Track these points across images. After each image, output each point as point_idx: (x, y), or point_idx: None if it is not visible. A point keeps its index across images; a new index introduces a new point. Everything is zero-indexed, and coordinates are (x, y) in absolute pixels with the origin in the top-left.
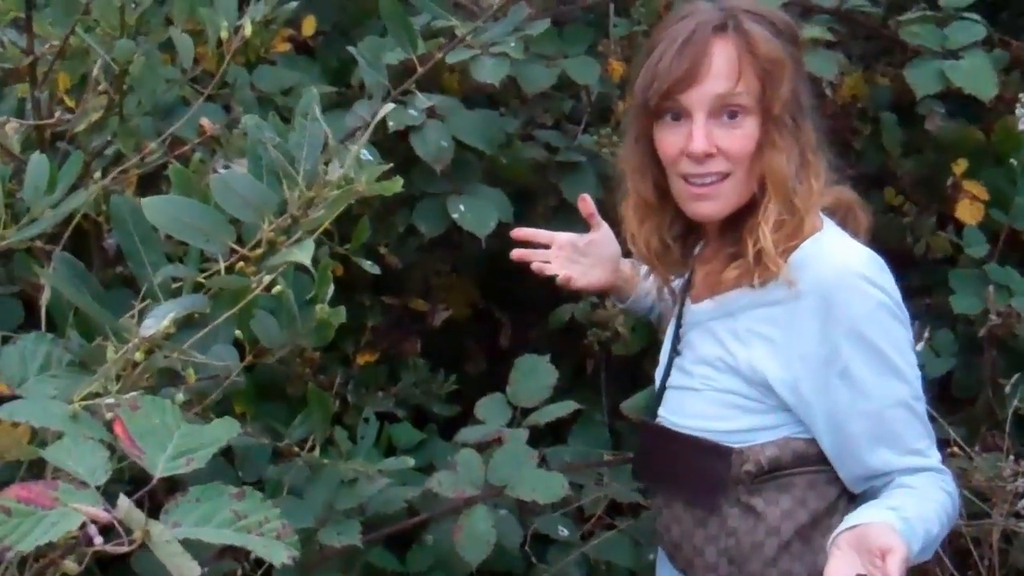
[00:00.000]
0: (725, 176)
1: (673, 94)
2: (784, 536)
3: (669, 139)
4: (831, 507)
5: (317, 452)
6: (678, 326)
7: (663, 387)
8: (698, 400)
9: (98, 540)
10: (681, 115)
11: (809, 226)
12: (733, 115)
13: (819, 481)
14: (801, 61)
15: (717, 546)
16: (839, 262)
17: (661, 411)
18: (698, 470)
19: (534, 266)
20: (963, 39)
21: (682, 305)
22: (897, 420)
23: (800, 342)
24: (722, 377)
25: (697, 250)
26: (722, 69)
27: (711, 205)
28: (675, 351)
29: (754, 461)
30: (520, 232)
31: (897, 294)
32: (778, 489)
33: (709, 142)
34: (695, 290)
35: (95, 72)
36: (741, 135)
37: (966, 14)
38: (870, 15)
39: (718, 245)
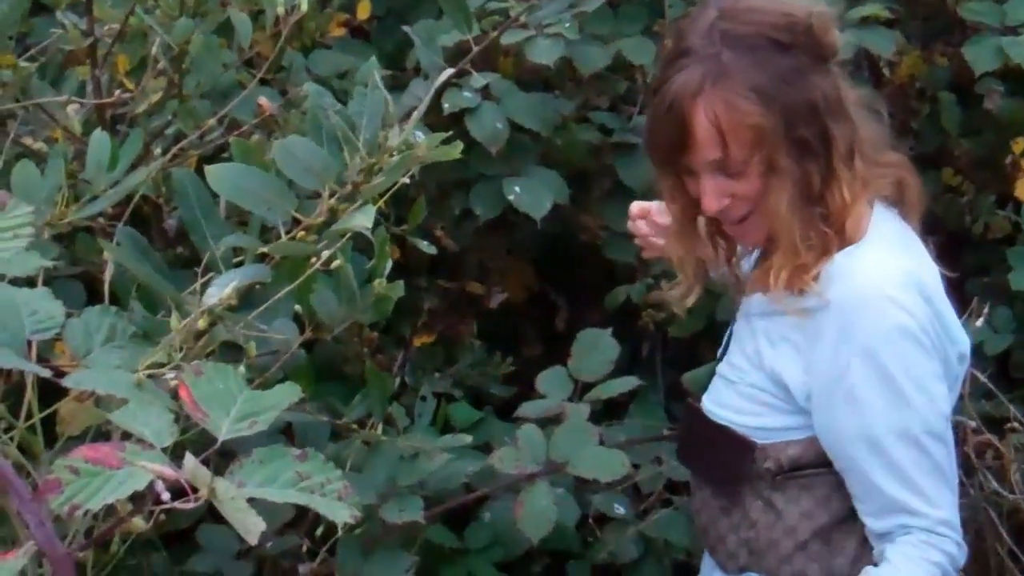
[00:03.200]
0: (748, 214)
1: (674, 160)
2: (800, 536)
3: (691, 187)
4: (855, 511)
5: (377, 430)
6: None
7: (713, 370)
8: (732, 392)
9: (166, 496)
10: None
11: (850, 232)
12: (733, 172)
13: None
14: (812, 60)
15: (738, 536)
16: (867, 279)
17: (705, 395)
18: (723, 459)
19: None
20: (1023, 15)
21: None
22: (900, 453)
23: (816, 355)
24: (754, 373)
25: None
26: (706, 139)
27: (751, 237)
28: (731, 336)
29: (774, 459)
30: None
31: (930, 320)
32: (800, 489)
33: (719, 198)
34: (751, 282)
35: (154, 52)
36: (746, 183)
37: None
38: None
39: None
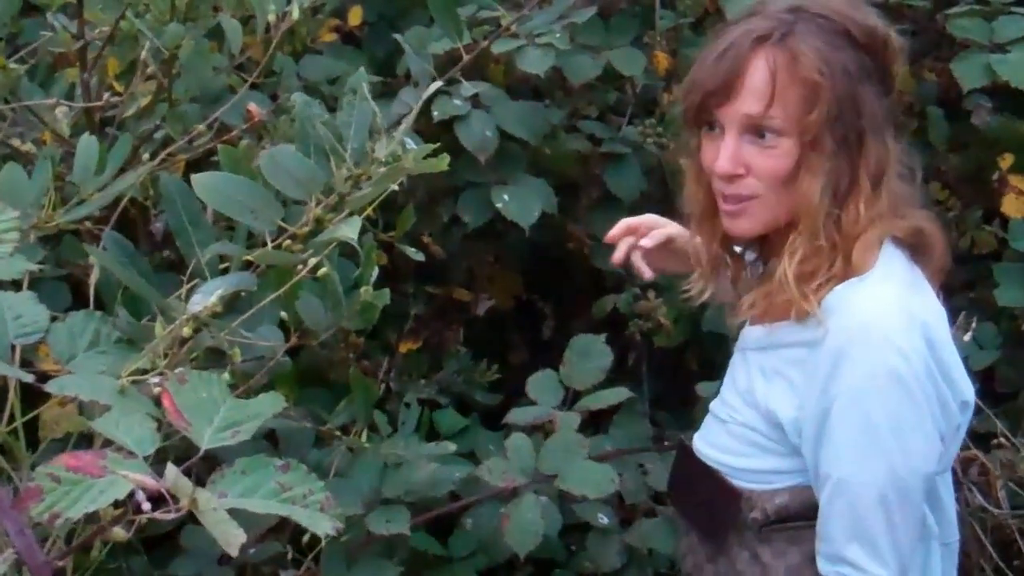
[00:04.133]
0: (754, 196)
1: (706, 107)
2: None
3: (707, 151)
4: None
5: (361, 437)
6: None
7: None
8: (722, 432)
9: (146, 506)
10: (717, 127)
11: (857, 262)
12: (764, 135)
13: None
14: (875, 72)
15: None
16: (867, 315)
17: (697, 433)
18: (711, 505)
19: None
20: (1011, 33)
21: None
22: (862, 503)
23: (810, 390)
24: (746, 411)
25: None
26: (756, 88)
27: (742, 224)
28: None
29: (760, 508)
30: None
31: (927, 367)
32: (788, 541)
33: (736, 163)
34: (749, 309)
35: (143, 57)
36: (774, 156)
37: (1014, 8)
38: (918, 9)
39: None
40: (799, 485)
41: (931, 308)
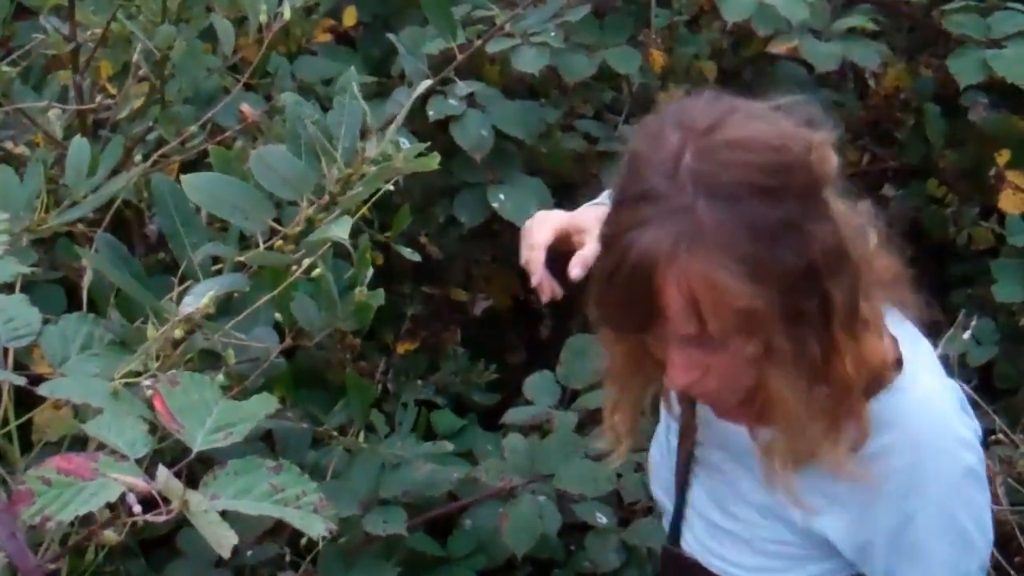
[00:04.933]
0: (724, 387)
1: (633, 330)
2: None
3: (653, 346)
4: None
5: (358, 438)
6: (689, 435)
7: (681, 508)
8: (745, 550)
9: (136, 508)
10: None
11: (880, 371)
12: (711, 346)
13: None
14: (811, 198)
15: None
16: (929, 420)
17: (691, 541)
18: None
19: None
20: (1007, 28)
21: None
22: None
23: (875, 509)
24: (770, 525)
25: None
26: (680, 314)
27: (721, 407)
28: (688, 468)
29: None
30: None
31: (977, 432)
32: None
33: (690, 371)
34: (730, 412)
35: (135, 58)
36: (728, 354)
37: (1010, 4)
38: (913, 5)
39: None
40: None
41: (933, 355)
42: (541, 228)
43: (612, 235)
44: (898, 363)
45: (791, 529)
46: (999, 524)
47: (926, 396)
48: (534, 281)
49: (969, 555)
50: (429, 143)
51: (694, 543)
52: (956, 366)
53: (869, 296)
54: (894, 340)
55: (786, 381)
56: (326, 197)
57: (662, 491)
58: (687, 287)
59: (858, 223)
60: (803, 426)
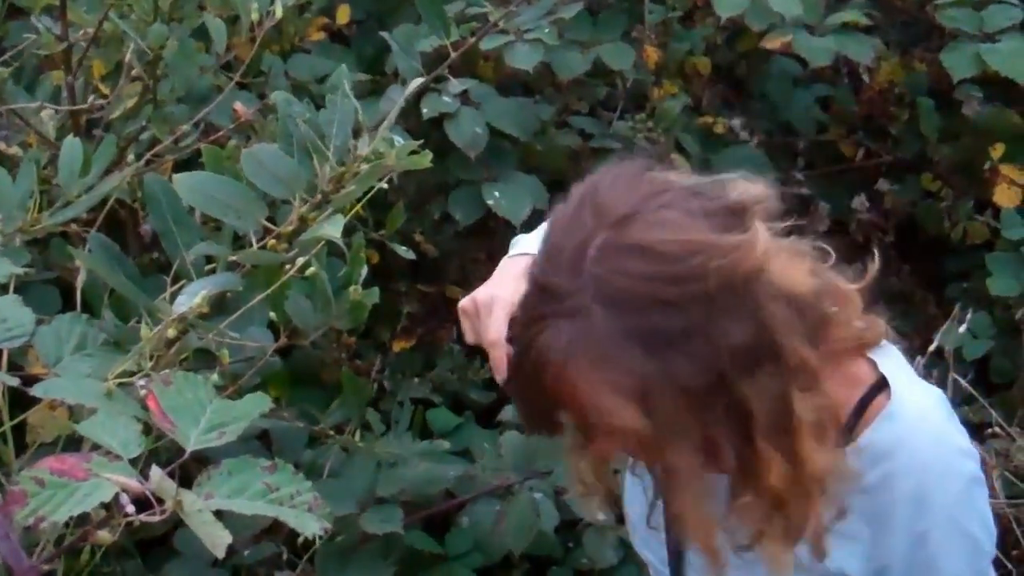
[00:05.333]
0: None
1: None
2: None
3: None
4: None
5: (355, 436)
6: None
7: (679, 570)
8: None
9: (129, 508)
10: None
11: (852, 399)
12: None
13: None
14: (727, 302)
15: None
16: (926, 438)
17: None
18: None
19: None
20: (1000, 22)
21: None
22: None
23: (887, 536)
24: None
25: None
26: (578, 415)
27: None
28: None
29: None
30: None
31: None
32: None
33: (616, 457)
34: None
35: (128, 58)
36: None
37: None
38: (907, 0)
39: None
40: None
41: (903, 360)
42: (495, 319)
43: (520, 325)
44: (880, 386)
45: (799, 570)
46: (996, 517)
47: (920, 416)
48: (499, 379)
49: (980, 557)
50: (423, 141)
51: None
52: (952, 360)
53: (813, 388)
54: (869, 361)
55: (687, 499)
56: (319, 195)
57: (647, 549)
58: (579, 397)
59: (813, 294)
60: (712, 541)
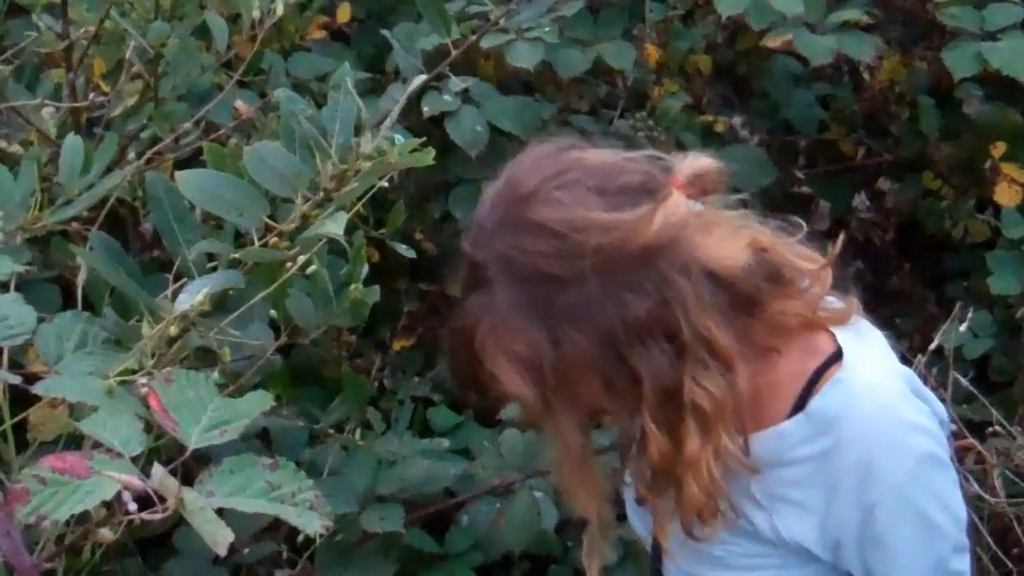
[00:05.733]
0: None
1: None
2: None
3: None
4: None
5: (355, 435)
6: None
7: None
8: (727, 570)
9: (132, 506)
10: None
11: (806, 361)
12: None
13: None
14: (624, 276)
15: None
16: (872, 408)
17: (675, 570)
18: None
19: None
20: (1001, 21)
21: None
22: None
23: (836, 508)
24: (745, 543)
25: None
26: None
27: None
28: None
29: None
30: None
31: (931, 418)
32: None
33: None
34: None
35: (129, 56)
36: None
37: None
38: None
39: None
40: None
41: (884, 345)
42: None
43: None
44: (837, 356)
45: (761, 542)
46: (996, 516)
47: (868, 386)
48: None
49: (938, 539)
50: (424, 139)
51: (677, 571)
52: (952, 359)
53: (756, 337)
54: (831, 335)
55: (571, 465)
56: (321, 193)
57: (637, 520)
58: (482, 364)
59: (743, 269)
60: (596, 508)
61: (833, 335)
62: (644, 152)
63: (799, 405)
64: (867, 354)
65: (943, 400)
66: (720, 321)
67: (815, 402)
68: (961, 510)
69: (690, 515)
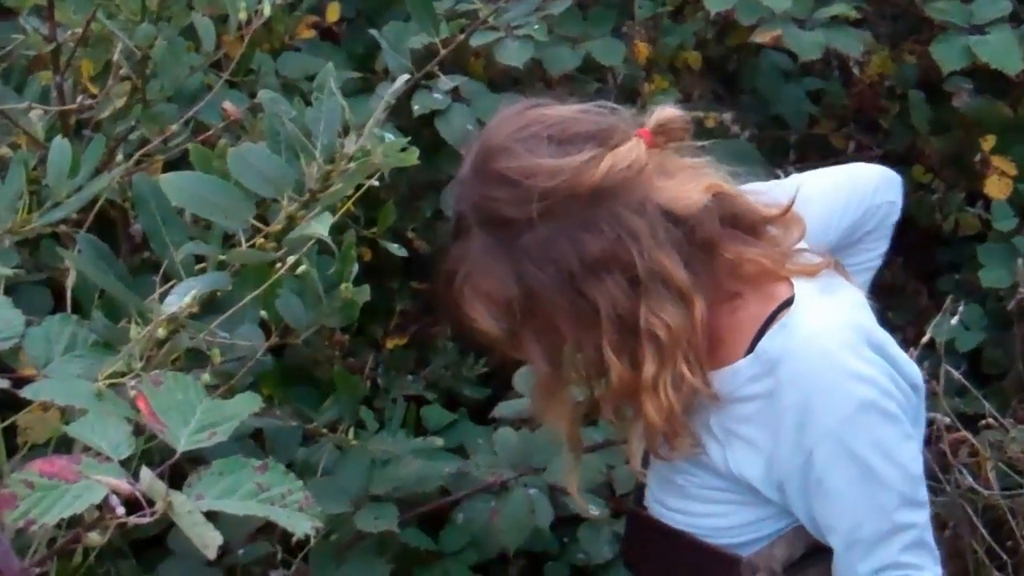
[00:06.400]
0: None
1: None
2: None
3: None
4: None
5: (349, 434)
6: None
7: (646, 466)
8: (684, 498)
9: (120, 510)
10: None
11: (757, 308)
12: None
13: None
14: (581, 216)
15: None
16: (815, 352)
17: (651, 498)
18: None
19: None
20: (989, 14)
21: None
22: (877, 533)
23: (780, 444)
24: (703, 475)
25: None
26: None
27: None
28: None
29: (766, 568)
30: None
31: (889, 375)
32: None
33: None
34: None
35: (116, 57)
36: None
37: None
38: None
39: None
40: (792, 527)
41: (860, 306)
42: None
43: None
44: (791, 301)
45: (717, 476)
46: (991, 508)
47: (812, 332)
48: None
49: (880, 489)
50: (415, 138)
51: (651, 499)
52: (944, 352)
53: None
54: (789, 283)
55: (541, 392)
56: (307, 194)
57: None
58: (461, 306)
59: (701, 211)
60: (567, 429)
61: (789, 283)
62: (608, 105)
63: (752, 346)
64: (824, 304)
65: (935, 393)
66: (676, 258)
67: (762, 343)
68: (911, 464)
69: (653, 437)
